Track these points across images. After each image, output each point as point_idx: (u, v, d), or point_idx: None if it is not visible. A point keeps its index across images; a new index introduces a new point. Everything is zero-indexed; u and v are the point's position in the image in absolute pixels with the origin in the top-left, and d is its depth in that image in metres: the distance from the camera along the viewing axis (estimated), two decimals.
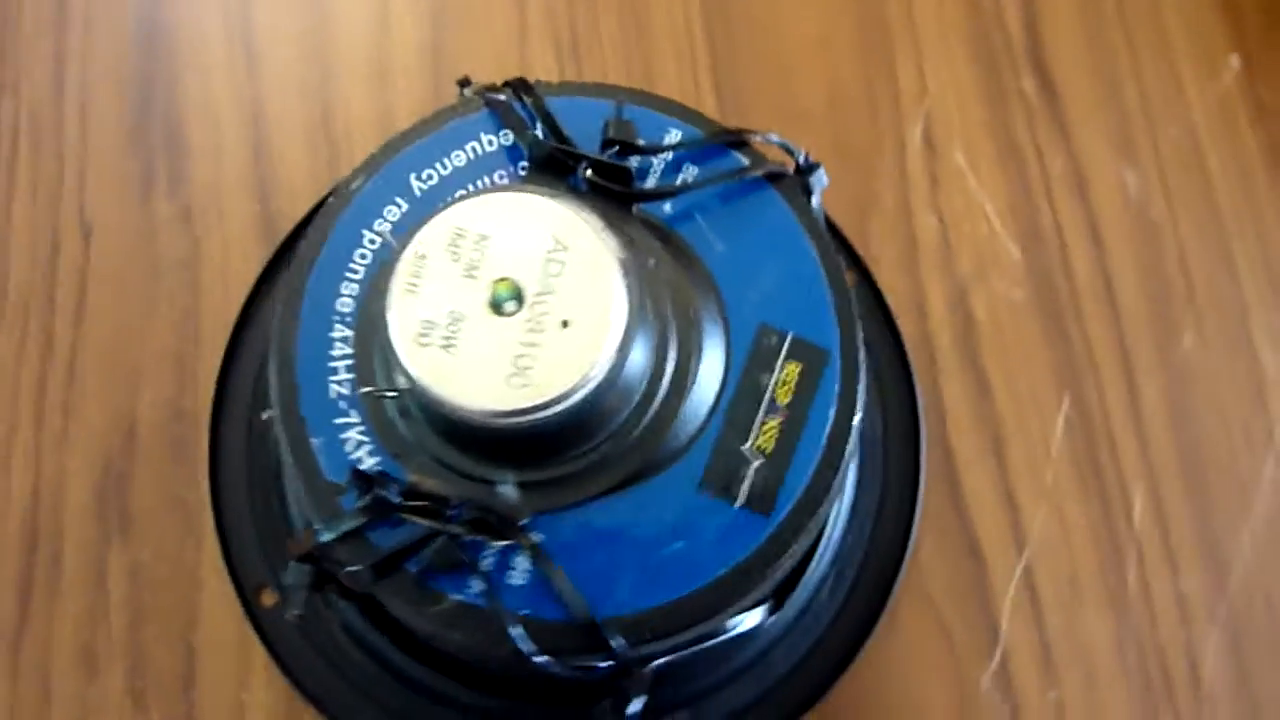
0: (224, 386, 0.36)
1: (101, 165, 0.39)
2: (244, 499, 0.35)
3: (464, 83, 0.30)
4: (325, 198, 0.38)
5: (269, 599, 0.35)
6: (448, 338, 0.22)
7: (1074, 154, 0.41)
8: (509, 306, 0.22)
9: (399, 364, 0.22)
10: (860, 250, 0.39)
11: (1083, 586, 0.36)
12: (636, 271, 0.23)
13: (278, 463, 0.35)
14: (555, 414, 0.22)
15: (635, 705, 0.26)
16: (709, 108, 0.40)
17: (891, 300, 0.38)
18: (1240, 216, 0.40)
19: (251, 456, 0.35)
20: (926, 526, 0.37)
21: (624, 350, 0.22)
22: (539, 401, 0.22)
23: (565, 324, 0.22)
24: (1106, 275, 0.40)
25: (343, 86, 0.40)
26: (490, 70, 0.40)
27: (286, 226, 0.38)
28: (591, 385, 0.22)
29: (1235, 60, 0.42)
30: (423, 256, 0.23)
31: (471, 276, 0.22)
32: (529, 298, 0.22)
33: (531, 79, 0.28)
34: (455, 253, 0.23)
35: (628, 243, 0.23)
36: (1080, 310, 0.39)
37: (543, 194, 0.23)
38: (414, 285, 0.22)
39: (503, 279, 0.22)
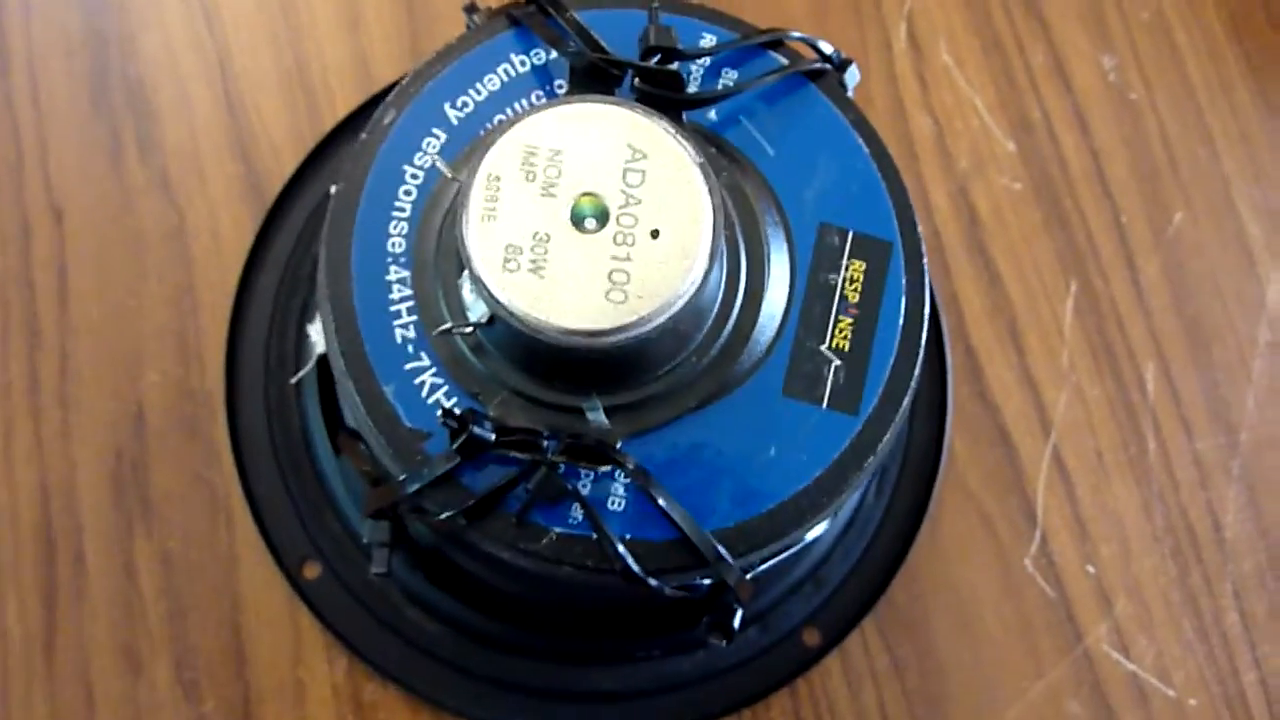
0: (233, 358, 0.34)
1: (62, 139, 0.36)
2: (273, 470, 0.34)
3: (470, 8, 0.28)
4: (314, 152, 0.36)
5: (312, 570, 0.33)
6: (535, 260, 0.21)
7: (1053, 43, 0.41)
8: (593, 222, 0.22)
9: (488, 294, 0.21)
10: None
11: (1108, 460, 0.38)
12: (713, 175, 0.22)
13: (305, 429, 0.34)
14: (656, 327, 0.21)
15: (738, 617, 0.25)
16: None
17: None
18: (1212, 90, 0.41)
19: (274, 426, 0.34)
20: (957, 420, 0.37)
21: (715, 255, 0.22)
22: (641, 314, 0.21)
23: (655, 234, 0.21)
24: (1097, 160, 0.40)
25: (312, 33, 0.38)
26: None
27: (275, 185, 0.36)
28: (690, 293, 0.21)
29: None
30: (496, 179, 0.22)
31: (550, 194, 0.22)
32: (613, 210, 0.22)
33: None
34: (530, 171, 0.22)
35: (701, 147, 0.23)
36: (1076, 196, 0.40)
37: (612, 102, 0.22)
38: (491, 210, 0.21)
39: (585, 193, 0.21)
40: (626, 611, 0.30)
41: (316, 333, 0.30)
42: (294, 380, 0.32)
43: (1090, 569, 0.37)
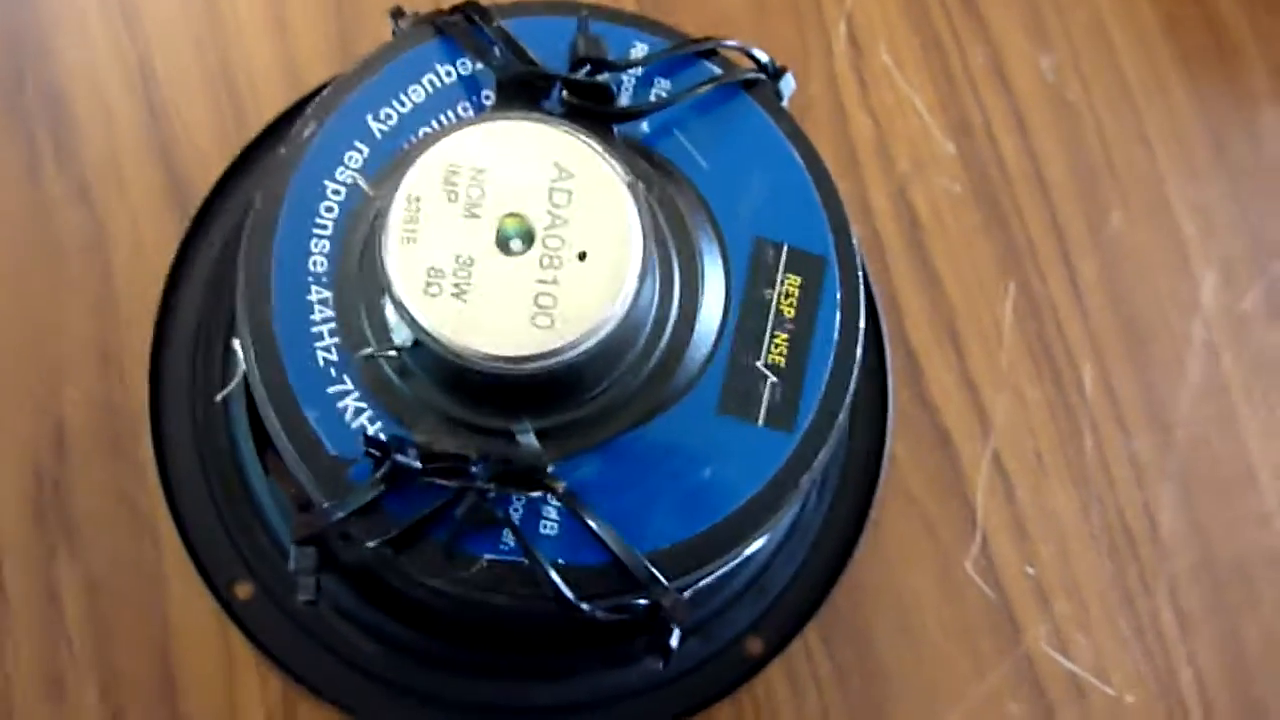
0: (158, 372, 0.33)
1: None
2: (201, 488, 0.33)
3: (397, 13, 0.27)
4: (240, 158, 0.35)
5: (244, 591, 0.33)
6: (459, 284, 0.21)
7: (992, 43, 0.41)
8: (519, 244, 0.21)
9: (409, 318, 0.21)
10: None
11: (1046, 462, 0.38)
12: (643, 194, 0.22)
13: (234, 446, 0.33)
14: (583, 351, 0.21)
15: (675, 637, 0.25)
16: None
17: None
18: (1148, 90, 0.42)
19: (201, 443, 0.33)
20: (897, 423, 0.37)
21: (645, 277, 0.21)
22: (569, 340, 0.20)
23: (583, 256, 0.21)
24: (1035, 161, 0.40)
25: (237, 35, 0.37)
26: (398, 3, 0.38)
27: (199, 193, 0.35)
28: (619, 317, 0.21)
29: None
30: (416, 199, 0.21)
31: (474, 215, 0.21)
32: (539, 232, 0.21)
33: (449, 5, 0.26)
34: (452, 191, 0.21)
35: (628, 165, 0.22)
36: (1015, 198, 0.40)
37: (536, 119, 0.21)
38: (411, 232, 0.21)
39: (510, 214, 0.21)
40: (564, 630, 0.29)
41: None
42: (219, 397, 0.31)
43: (1030, 570, 0.37)
